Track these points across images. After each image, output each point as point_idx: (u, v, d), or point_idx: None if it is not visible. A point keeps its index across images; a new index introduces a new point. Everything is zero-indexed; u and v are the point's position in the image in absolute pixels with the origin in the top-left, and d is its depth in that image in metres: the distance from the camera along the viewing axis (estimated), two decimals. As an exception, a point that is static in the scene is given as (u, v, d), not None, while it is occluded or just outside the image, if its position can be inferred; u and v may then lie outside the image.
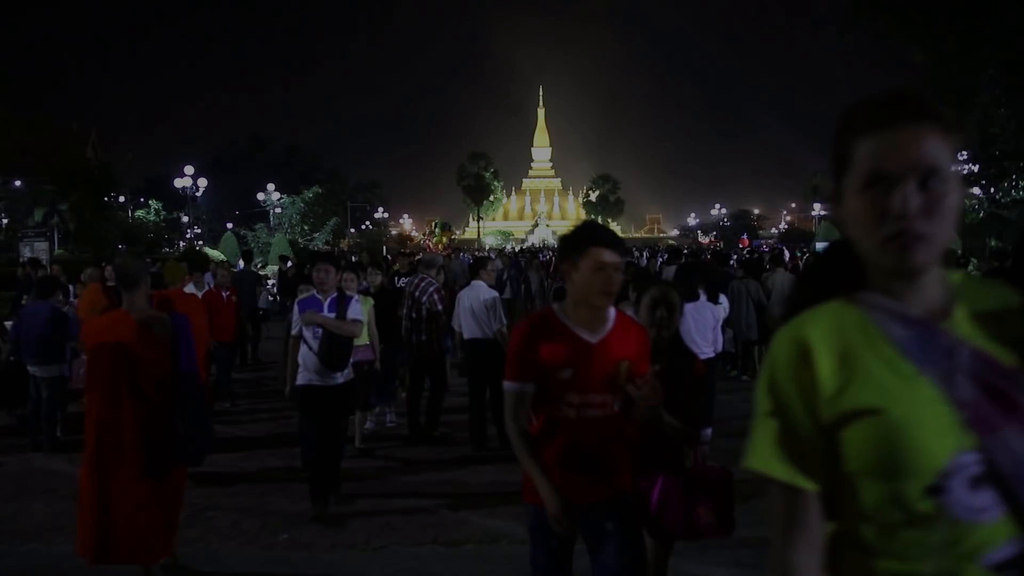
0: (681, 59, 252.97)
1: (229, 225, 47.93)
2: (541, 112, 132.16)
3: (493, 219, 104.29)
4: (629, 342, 2.91)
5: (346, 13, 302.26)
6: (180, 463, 4.48)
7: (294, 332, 5.90)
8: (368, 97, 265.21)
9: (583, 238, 2.85)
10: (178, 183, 37.35)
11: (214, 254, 31.24)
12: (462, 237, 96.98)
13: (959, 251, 28.09)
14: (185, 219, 48.91)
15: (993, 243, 27.00)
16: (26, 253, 22.53)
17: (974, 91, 17.19)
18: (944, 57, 16.01)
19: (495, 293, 7.86)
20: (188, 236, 50.02)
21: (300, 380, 5.78)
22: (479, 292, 7.66)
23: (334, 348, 5.71)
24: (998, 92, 17.04)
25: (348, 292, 6.25)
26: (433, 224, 54.38)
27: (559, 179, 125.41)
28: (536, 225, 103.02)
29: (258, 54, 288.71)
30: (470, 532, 5.41)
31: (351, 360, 5.98)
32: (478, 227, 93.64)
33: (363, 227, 70.78)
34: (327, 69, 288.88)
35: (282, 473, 6.79)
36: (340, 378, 5.82)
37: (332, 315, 5.79)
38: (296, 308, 5.99)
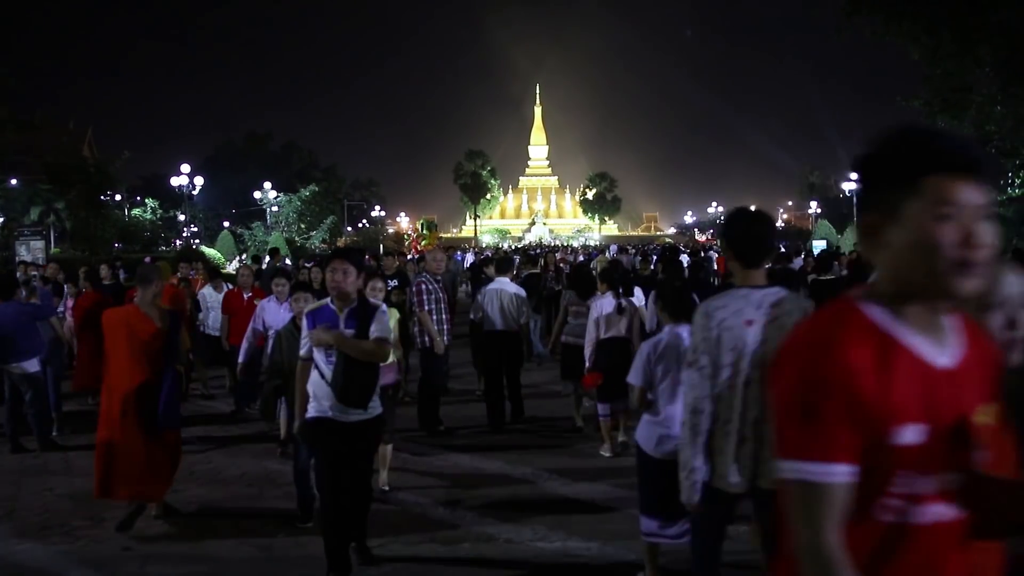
0: (678, 57, 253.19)
1: (226, 224, 47.89)
2: (538, 110, 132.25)
3: (490, 217, 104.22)
4: (986, 363, 1.57)
5: (342, 11, 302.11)
6: (163, 427, 5.58)
7: (303, 354, 4.61)
8: (365, 95, 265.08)
9: (912, 159, 1.43)
10: (174, 181, 37.34)
11: (211, 253, 31.22)
12: (459, 236, 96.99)
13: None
14: (182, 217, 48.85)
15: (989, 241, 27.05)
16: (22, 252, 22.47)
17: (970, 89, 17.23)
18: (940, 55, 16.03)
19: (521, 289, 8.61)
20: (185, 235, 49.96)
21: (310, 411, 4.54)
22: (507, 288, 8.32)
23: (354, 378, 4.36)
24: (994, 90, 17.07)
25: (373, 301, 4.81)
26: (420, 225, 54.06)
27: (556, 177, 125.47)
28: (533, 223, 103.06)
29: (254, 53, 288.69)
30: (468, 532, 5.41)
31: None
32: (475, 225, 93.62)
33: (360, 225, 70.82)
34: (323, 67, 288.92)
35: (279, 473, 6.78)
36: (363, 413, 4.52)
37: (351, 332, 4.44)
38: (305, 323, 4.60)
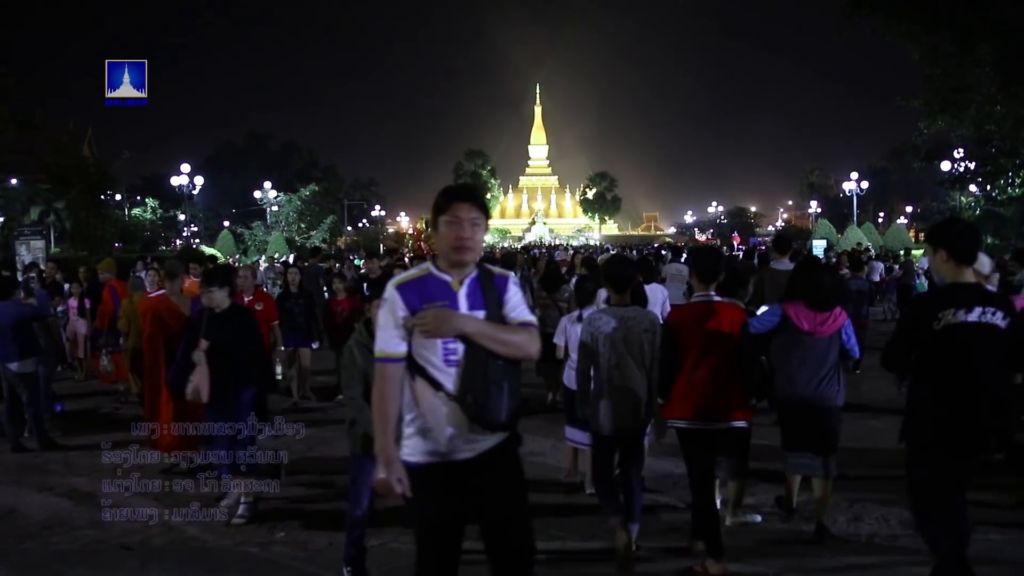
0: (678, 56, 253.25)
1: (226, 223, 47.96)
2: (538, 109, 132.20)
3: (490, 217, 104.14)
4: None
5: (341, 11, 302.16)
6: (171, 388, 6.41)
7: (391, 351, 2.88)
8: (364, 95, 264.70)
9: None
10: (175, 181, 37.46)
11: (211, 253, 31.22)
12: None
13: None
14: (182, 217, 48.92)
15: (989, 240, 27.07)
16: (23, 252, 22.46)
17: (970, 89, 17.24)
18: (940, 54, 16.04)
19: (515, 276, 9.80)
20: (185, 234, 50.01)
21: (413, 455, 2.92)
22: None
23: (492, 385, 2.83)
24: (994, 90, 17.08)
25: (497, 271, 3.10)
26: (424, 223, 54.17)
27: (556, 177, 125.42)
28: (533, 223, 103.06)
29: (253, 53, 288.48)
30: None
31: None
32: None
33: (360, 225, 70.83)
34: (323, 67, 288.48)
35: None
36: (492, 436, 2.92)
37: (481, 314, 2.90)
38: (397, 298, 2.88)
